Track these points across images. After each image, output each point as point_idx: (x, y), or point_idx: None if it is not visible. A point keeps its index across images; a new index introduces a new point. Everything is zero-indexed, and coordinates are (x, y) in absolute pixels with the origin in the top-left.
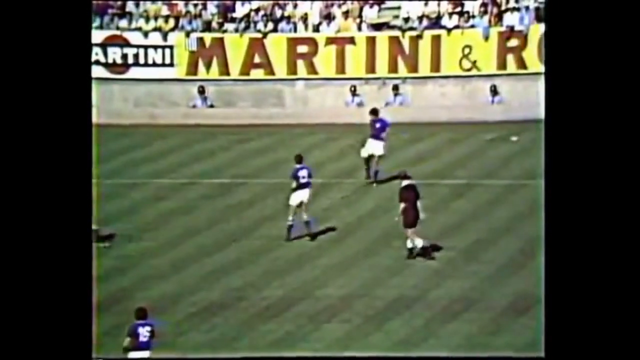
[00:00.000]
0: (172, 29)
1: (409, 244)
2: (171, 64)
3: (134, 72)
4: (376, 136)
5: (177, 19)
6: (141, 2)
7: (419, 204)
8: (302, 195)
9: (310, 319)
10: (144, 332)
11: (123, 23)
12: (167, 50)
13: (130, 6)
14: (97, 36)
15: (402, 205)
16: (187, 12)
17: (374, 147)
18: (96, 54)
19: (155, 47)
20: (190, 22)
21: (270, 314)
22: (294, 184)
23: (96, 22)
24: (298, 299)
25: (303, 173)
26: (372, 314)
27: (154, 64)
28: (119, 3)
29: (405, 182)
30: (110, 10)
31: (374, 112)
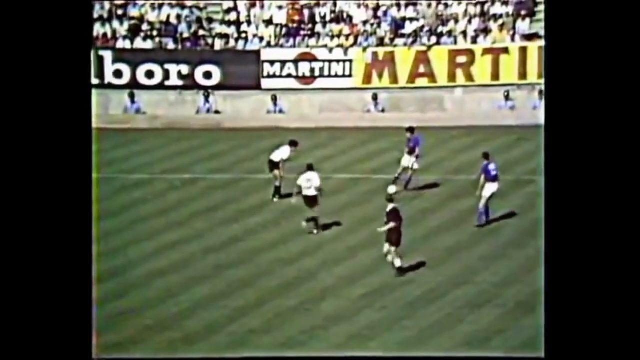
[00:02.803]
0: (352, 45)
1: (398, 263)
2: (350, 75)
3: (319, 83)
4: (411, 152)
5: (356, 37)
6: (328, 23)
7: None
8: (492, 188)
9: (467, 303)
10: None
11: (312, 42)
12: (347, 64)
13: (318, 27)
14: (290, 54)
15: (392, 224)
16: (365, 30)
17: (408, 161)
18: (289, 68)
19: (338, 61)
20: (366, 39)
21: (432, 297)
22: (482, 178)
23: (289, 42)
24: (457, 284)
25: (492, 167)
26: (524, 300)
27: (336, 76)
28: (309, 26)
29: (391, 206)
30: (302, 32)
31: (411, 130)
